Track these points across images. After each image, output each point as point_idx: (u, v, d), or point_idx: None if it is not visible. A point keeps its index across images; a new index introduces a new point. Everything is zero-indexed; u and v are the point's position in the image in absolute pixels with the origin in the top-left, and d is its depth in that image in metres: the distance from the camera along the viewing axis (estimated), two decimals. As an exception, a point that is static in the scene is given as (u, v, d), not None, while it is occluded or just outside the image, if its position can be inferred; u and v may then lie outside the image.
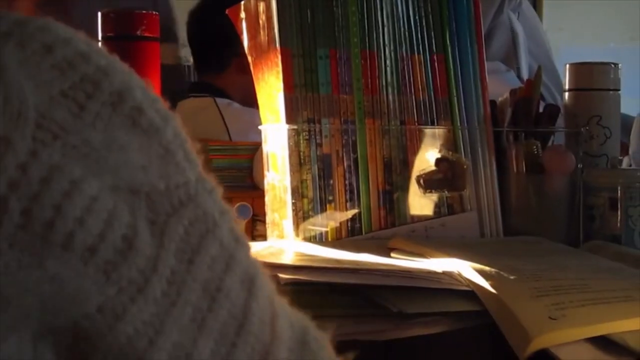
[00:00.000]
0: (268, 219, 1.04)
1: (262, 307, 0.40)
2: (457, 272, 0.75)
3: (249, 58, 1.08)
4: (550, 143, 1.06)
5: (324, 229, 0.96)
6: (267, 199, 1.04)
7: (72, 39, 0.38)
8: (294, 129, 0.97)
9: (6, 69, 0.35)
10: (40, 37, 0.37)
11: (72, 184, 0.35)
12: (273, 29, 0.98)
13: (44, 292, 0.34)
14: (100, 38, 1.13)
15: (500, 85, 1.41)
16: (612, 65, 1.08)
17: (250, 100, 2.06)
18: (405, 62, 1.02)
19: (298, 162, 0.96)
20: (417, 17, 1.03)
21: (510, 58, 1.93)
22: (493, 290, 0.67)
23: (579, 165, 1.02)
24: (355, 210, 0.98)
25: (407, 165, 1.01)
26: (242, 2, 1.08)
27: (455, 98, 1.03)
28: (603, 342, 0.58)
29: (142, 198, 0.37)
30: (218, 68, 2.05)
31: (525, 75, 1.93)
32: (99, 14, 1.13)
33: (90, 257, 0.35)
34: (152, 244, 0.37)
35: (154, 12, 1.10)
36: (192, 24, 2.23)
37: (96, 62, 0.38)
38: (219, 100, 1.96)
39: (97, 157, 0.36)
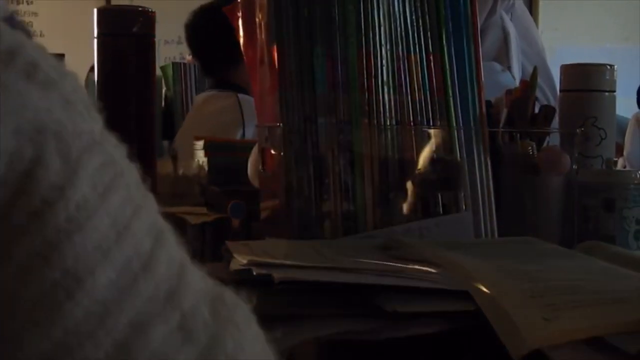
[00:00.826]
0: (262, 217, 1.04)
1: (170, 256, 0.39)
2: (451, 272, 0.75)
3: (245, 56, 1.08)
4: (545, 144, 1.07)
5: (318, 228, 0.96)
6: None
7: None
8: (289, 128, 0.96)
9: None
10: None
11: None
12: (269, 27, 0.98)
13: None
14: (95, 35, 1.13)
15: (496, 86, 1.41)
16: (608, 67, 1.08)
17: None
18: (401, 62, 1.02)
19: (293, 161, 0.96)
20: (413, 17, 1.03)
21: (502, 58, 1.93)
22: (487, 291, 0.67)
23: (574, 166, 1.02)
24: (351, 210, 0.98)
25: (403, 165, 1.01)
26: (239, 0, 1.08)
27: (451, 98, 1.03)
28: (597, 343, 0.58)
29: (50, 135, 0.36)
30: (231, 64, 2.06)
31: (516, 74, 1.94)
32: (95, 10, 1.13)
33: None
34: (62, 172, 0.36)
35: (150, 10, 1.09)
36: (196, 25, 2.24)
37: None
38: (241, 96, 1.97)
39: None
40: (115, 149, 0.40)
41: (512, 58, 1.94)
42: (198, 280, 0.40)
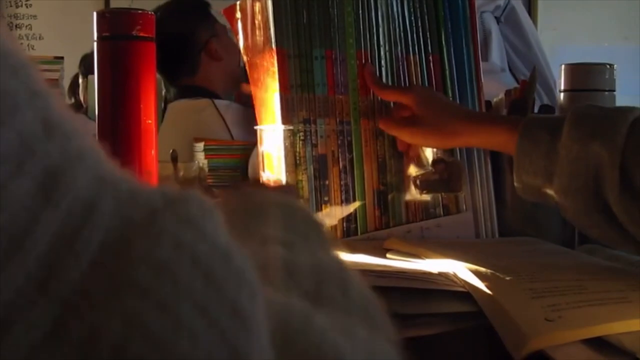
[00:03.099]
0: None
1: (63, 217, 0.31)
2: (452, 273, 0.75)
3: (245, 58, 1.08)
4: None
5: (319, 230, 0.96)
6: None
7: None
8: (289, 130, 0.97)
9: None
10: None
11: None
12: (269, 29, 0.98)
13: None
14: (95, 38, 1.13)
15: (495, 86, 1.41)
16: (608, 66, 1.08)
17: (230, 85, 2.08)
18: (400, 63, 1.02)
19: (294, 163, 0.96)
20: (412, 18, 1.03)
21: (483, 56, 1.94)
22: (489, 292, 0.67)
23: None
24: (351, 211, 0.98)
25: (402, 165, 1.01)
26: (238, 2, 1.08)
27: (451, 98, 1.03)
28: (599, 344, 0.58)
29: None
30: (192, 69, 2.06)
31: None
32: (94, 13, 1.13)
33: None
34: None
35: (149, 12, 1.09)
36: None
37: None
38: (217, 101, 1.96)
39: None
40: (11, 75, 0.32)
41: (493, 57, 1.95)
42: (108, 223, 0.32)
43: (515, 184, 0.85)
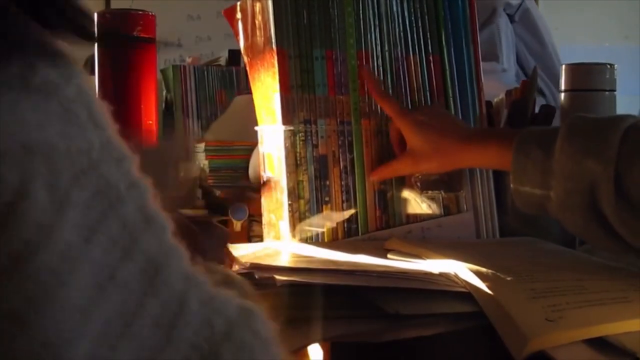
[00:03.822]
0: (264, 220, 1.04)
1: (163, 305, 0.34)
2: (453, 273, 0.75)
3: (245, 59, 1.08)
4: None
5: (320, 230, 0.96)
6: (263, 199, 1.04)
7: None
8: (290, 130, 0.97)
9: None
10: None
11: None
12: (269, 29, 0.98)
13: None
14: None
15: (496, 86, 1.41)
16: (608, 66, 1.08)
17: None
18: (400, 63, 1.02)
19: (294, 163, 0.96)
20: (412, 18, 1.03)
21: (492, 57, 1.94)
22: (489, 292, 0.67)
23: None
24: (352, 211, 0.98)
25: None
26: (238, 3, 1.08)
27: (451, 99, 1.03)
28: (600, 344, 0.58)
29: (39, 158, 0.32)
30: None
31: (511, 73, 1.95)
32: (95, 14, 1.13)
33: None
34: (50, 210, 0.32)
35: (150, 13, 1.09)
36: None
37: None
38: None
39: None
40: (115, 165, 0.35)
41: (503, 56, 1.95)
42: (198, 326, 0.35)
43: (515, 199, 0.85)
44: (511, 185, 0.84)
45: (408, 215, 1.00)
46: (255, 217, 1.08)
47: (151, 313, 0.34)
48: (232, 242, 0.87)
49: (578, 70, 1.10)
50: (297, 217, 0.96)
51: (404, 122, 0.95)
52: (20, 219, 0.31)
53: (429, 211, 1.01)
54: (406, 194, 1.00)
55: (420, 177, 1.00)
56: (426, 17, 1.03)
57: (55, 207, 0.32)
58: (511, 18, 2.04)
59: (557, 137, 0.79)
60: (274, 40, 0.97)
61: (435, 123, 0.95)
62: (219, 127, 2.11)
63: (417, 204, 1.01)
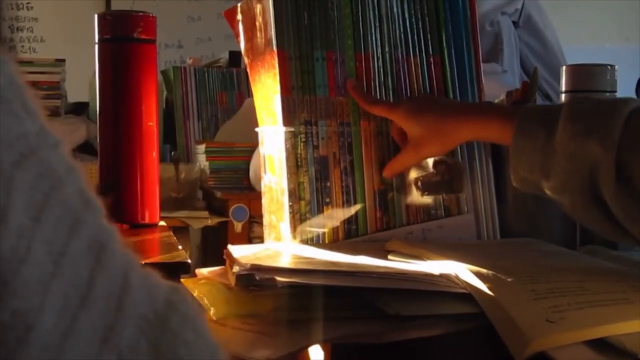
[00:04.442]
0: (265, 221, 1.04)
1: (111, 278, 0.36)
2: (454, 274, 0.75)
3: (246, 60, 1.08)
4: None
5: (321, 231, 0.96)
6: (264, 201, 1.04)
7: None
8: (291, 131, 0.97)
9: None
10: None
11: None
12: (270, 31, 0.98)
13: None
14: (96, 40, 1.13)
15: (496, 87, 1.41)
16: (609, 67, 1.08)
17: None
18: (401, 64, 1.02)
19: (295, 165, 0.96)
20: (413, 19, 1.03)
21: (494, 59, 1.95)
22: (490, 293, 0.67)
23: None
24: (352, 212, 0.98)
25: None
26: (239, 4, 1.08)
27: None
28: (601, 345, 0.58)
29: None
30: None
31: (515, 74, 1.96)
32: (96, 16, 1.13)
33: None
34: None
35: (150, 15, 1.09)
36: None
37: None
38: None
39: None
40: (52, 151, 0.37)
41: (505, 58, 1.95)
42: (141, 303, 0.37)
43: (512, 177, 0.85)
44: (510, 165, 0.84)
45: (409, 217, 1.00)
46: (255, 219, 1.08)
47: (102, 286, 0.36)
48: (233, 243, 0.87)
49: (578, 71, 1.10)
50: (297, 219, 0.96)
51: (397, 115, 0.95)
52: None
53: (429, 212, 1.01)
54: (406, 194, 1.00)
55: (421, 178, 1.00)
56: (427, 18, 1.03)
57: (3, 190, 0.33)
58: (515, 24, 2.05)
59: (559, 117, 0.79)
60: (274, 42, 0.97)
61: (429, 107, 0.95)
62: (229, 129, 2.12)
63: (417, 205, 1.01)
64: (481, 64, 1.06)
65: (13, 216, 0.33)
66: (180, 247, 0.98)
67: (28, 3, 4.17)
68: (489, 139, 0.93)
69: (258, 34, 1.02)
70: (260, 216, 1.05)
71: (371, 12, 1.01)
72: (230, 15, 1.10)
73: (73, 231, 0.36)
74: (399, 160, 0.98)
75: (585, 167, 0.75)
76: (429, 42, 1.03)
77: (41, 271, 0.34)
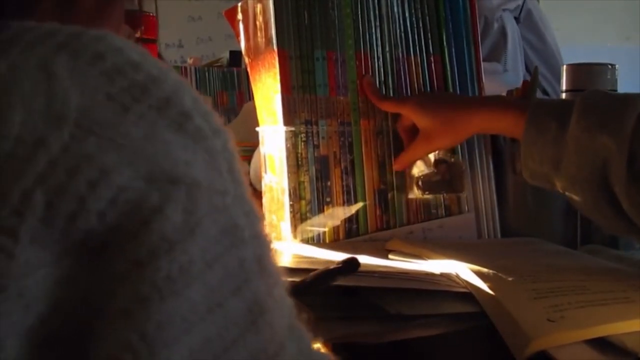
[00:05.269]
0: (265, 220, 1.04)
1: (261, 343, 0.36)
2: (455, 273, 0.75)
3: (246, 59, 1.08)
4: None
5: (321, 231, 0.96)
6: (264, 200, 1.04)
7: (124, 49, 0.38)
8: (291, 131, 0.97)
9: (55, 77, 0.36)
10: (94, 46, 0.37)
11: (101, 173, 0.34)
12: (270, 30, 0.98)
13: (56, 294, 0.33)
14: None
15: (497, 86, 1.41)
16: (609, 66, 1.08)
17: None
18: (401, 64, 1.02)
19: (296, 164, 0.96)
20: (413, 19, 1.03)
21: (498, 57, 1.95)
22: (491, 292, 0.67)
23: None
24: (353, 212, 0.98)
25: (405, 166, 1.01)
26: (239, 4, 1.08)
27: (453, 99, 1.03)
28: (601, 344, 0.58)
29: (181, 189, 0.35)
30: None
31: (519, 73, 1.95)
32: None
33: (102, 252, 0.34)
34: (181, 230, 0.35)
35: (151, 14, 1.09)
36: None
37: (147, 70, 0.38)
38: None
39: (135, 147, 0.35)
40: (244, 216, 0.38)
41: (509, 58, 1.95)
42: None
43: (522, 170, 0.85)
44: (521, 157, 0.83)
45: (409, 216, 1.00)
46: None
47: (249, 347, 0.36)
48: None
49: (579, 71, 1.10)
50: (298, 218, 0.96)
51: (408, 108, 0.96)
52: (150, 232, 0.34)
53: (430, 212, 1.01)
54: (407, 194, 1.00)
55: (422, 177, 1.00)
56: (427, 17, 1.03)
57: (188, 229, 0.35)
58: (516, 20, 2.05)
59: (572, 110, 0.79)
60: (274, 41, 0.97)
61: (440, 99, 0.96)
62: (230, 129, 2.11)
63: (418, 204, 1.01)
64: (482, 63, 1.06)
65: (186, 252, 0.34)
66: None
67: (28, 3, 4.16)
68: (500, 130, 0.92)
69: (258, 34, 1.02)
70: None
71: (371, 12, 1.01)
72: (231, 14, 1.10)
73: (238, 289, 0.36)
74: (410, 153, 0.98)
75: (597, 160, 0.75)
76: (429, 41, 1.03)
77: (190, 310, 0.34)
